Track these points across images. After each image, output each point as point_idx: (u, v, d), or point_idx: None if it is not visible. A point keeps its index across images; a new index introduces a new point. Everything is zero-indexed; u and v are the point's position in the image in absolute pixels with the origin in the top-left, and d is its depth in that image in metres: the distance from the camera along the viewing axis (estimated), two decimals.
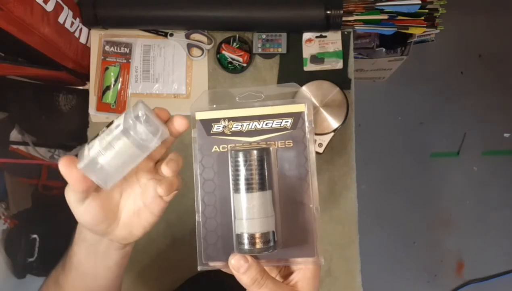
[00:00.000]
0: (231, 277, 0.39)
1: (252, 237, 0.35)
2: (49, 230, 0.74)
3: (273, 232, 0.36)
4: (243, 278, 0.35)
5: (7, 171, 0.66)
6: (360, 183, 0.81)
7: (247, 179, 0.36)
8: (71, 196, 0.39)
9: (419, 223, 1.61)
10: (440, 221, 1.61)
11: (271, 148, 0.38)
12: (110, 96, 0.81)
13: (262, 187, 0.36)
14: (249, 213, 0.36)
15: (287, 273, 0.40)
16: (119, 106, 0.81)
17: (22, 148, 0.70)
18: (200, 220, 0.39)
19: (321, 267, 0.39)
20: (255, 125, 0.39)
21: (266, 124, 0.39)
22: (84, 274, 0.46)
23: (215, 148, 0.39)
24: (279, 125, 0.39)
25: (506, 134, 1.64)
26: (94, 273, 0.46)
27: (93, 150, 0.35)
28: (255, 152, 0.36)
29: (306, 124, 0.39)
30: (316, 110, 0.79)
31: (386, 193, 1.62)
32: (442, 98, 1.65)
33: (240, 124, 0.39)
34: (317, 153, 0.80)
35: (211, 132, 0.40)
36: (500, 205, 1.62)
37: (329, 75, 0.80)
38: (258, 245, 0.35)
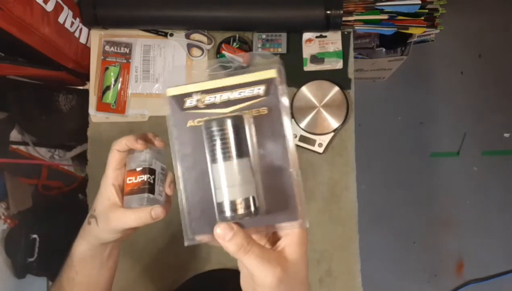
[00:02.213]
0: (231, 277, 0.39)
1: (233, 204, 0.36)
2: (49, 230, 0.74)
3: (253, 197, 0.37)
4: (229, 246, 0.35)
5: (7, 171, 0.66)
6: (360, 183, 0.81)
7: (222, 148, 0.36)
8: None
9: (419, 223, 1.61)
10: (440, 221, 1.61)
11: (244, 116, 0.38)
12: (110, 96, 0.81)
13: (239, 154, 0.36)
14: (228, 180, 0.36)
15: (274, 240, 0.40)
16: (119, 106, 0.81)
17: (22, 148, 0.70)
18: (183, 195, 0.39)
19: (307, 231, 0.39)
20: (228, 96, 0.39)
21: (239, 94, 0.39)
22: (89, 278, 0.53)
23: (190, 123, 0.39)
24: (251, 93, 0.39)
25: (506, 135, 1.64)
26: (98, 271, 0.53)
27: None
28: (228, 119, 0.36)
29: (279, 89, 0.39)
30: (316, 110, 0.79)
31: (386, 193, 1.62)
32: (442, 98, 1.65)
33: (213, 96, 0.39)
34: (317, 152, 0.80)
35: (184, 107, 0.39)
36: (500, 205, 1.62)
37: (329, 75, 0.80)
38: (240, 211, 0.36)
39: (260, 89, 0.39)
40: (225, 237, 0.35)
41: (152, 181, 0.48)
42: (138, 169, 0.48)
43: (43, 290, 0.71)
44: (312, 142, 0.79)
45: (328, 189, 0.80)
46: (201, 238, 0.38)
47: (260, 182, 0.38)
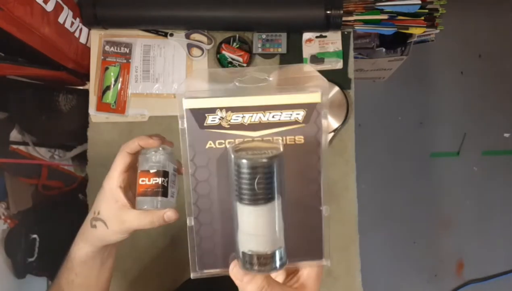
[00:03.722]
0: (228, 277, 0.38)
1: (259, 257, 0.31)
2: (49, 230, 0.74)
3: (282, 249, 0.32)
4: (247, 287, 0.32)
5: (7, 171, 0.66)
6: (360, 183, 0.81)
7: (251, 193, 0.31)
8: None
9: (419, 223, 1.61)
10: (440, 221, 1.61)
11: (282, 151, 0.32)
12: (110, 96, 0.81)
13: (271, 197, 0.31)
14: (255, 228, 0.31)
15: (291, 271, 0.39)
16: (119, 106, 0.81)
17: (22, 147, 0.70)
18: (193, 225, 0.34)
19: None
20: (260, 117, 0.33)
21: (273, 117, 0.33)
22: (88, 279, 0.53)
23: (210, 144, 0.33)
24: (288, 118, 0.33)
25: (506, 135, 1.64)
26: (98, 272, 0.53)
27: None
28: (264, 161, 0.30)
29: (322, 117, 0.33)
30: None
31: (386, 193, 1.62)
32: (442, 98, 1.65)
33: (241, 115, 0.33)
34: None
35: (205, 124, 0.33)
36: (500, 205, 1.62)
37: (329, 75, 0.80)
38: (266, 266, 0.32)
39: (300, 115, 0.33)
40: (243, 278, 0.32)
41: (165, 184, 0.48)
42: (151, 171, 0.48)
43: (43, 290, 0.70)
44: None
45: (328, 189, 0.80)
46: (211, 272, 0.35)
47: (287, 218, 0.33)
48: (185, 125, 0.33)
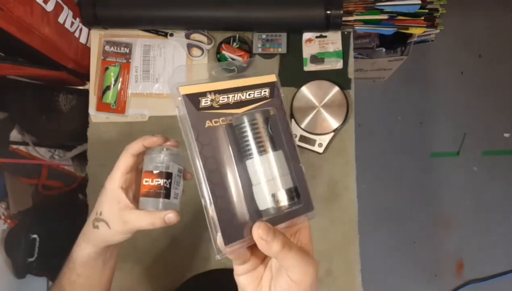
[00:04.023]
0: (231, 277, 0.38)
1: (275, 196, 0.36)
2: (49, 230, 0.74)
3: (296, 186, 0.37)
4: (273, 245, 0.33)
5: (7, 171, 0.66)
6: (360, 182, 0.81)
7: (258, 141, 0.36)
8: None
9: (419, 223, 1.61)
10: (440, 221, 1.61)
11: (270, 110, 0.39)
12: (110, 96, 0.81)
13: (274, 146, 0.37)
14: (267, 174, 0.36)
15: (291, 235, 0.40)
16: (119, 106, 0.81)
17: (22, 147, 0.70)
18: (212, 201, 0.36)
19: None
20: (240, 96, 0.40)
21: (249, 95, 0.40)
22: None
23: (208, 123, 0.38)
24: (259, 95, 0.40)
25: (506, 135, 1.64)
26: (100, 274, 0.54)
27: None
28: (259, 113, 0.37)
29: (280, 92, 0.41)
30: (316, 110, 0.79)
31: (386, 192, 1.62)
32: (442, 98, 1.65)
33: (226, 96, 0.39)
34: (317, 152, 0.80)
35: (200, 107, 0.38)
36: (500, 205, 1.62)
37: (329, 75, 0.80)
38: (283, 203, 0.35)
39: (266, 92, 0.41)
40: (267, 236, 0.33)
41: (168, 185, 0.48)
42: (155, 172, 0.48)
43: (43, 290, 0.71)
44: (312, 142, 0.79)
45: (328, 189, 0.80)
46: (234, 248, 0.36)
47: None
48: (185, 110, 0.38)
